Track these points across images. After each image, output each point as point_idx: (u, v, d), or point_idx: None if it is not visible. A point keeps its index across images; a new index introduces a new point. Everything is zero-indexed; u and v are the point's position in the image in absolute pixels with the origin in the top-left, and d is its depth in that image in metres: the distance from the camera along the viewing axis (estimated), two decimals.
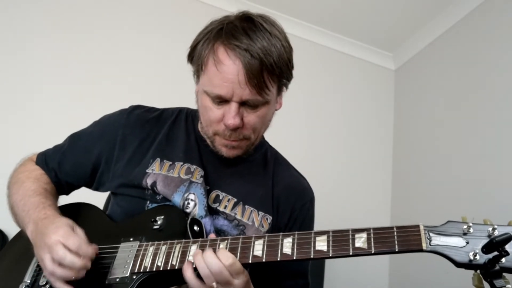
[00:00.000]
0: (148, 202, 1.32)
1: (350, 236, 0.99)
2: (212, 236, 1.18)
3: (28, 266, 1.27)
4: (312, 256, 1.01)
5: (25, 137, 2.57)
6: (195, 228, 1.21)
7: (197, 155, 1.37)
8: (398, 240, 0.94)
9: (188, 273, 1.06)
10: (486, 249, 0.86)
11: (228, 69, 1.17)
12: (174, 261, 1.11)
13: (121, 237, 1.24)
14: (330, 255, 0.99)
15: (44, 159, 1.45)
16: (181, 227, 1.20)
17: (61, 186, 1.45)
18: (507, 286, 0.83)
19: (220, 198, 1.33)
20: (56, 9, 2.96)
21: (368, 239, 0.97)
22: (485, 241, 0.88)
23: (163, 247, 1.15)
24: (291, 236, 1.05)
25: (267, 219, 1.34)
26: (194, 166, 1.34)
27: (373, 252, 0.96)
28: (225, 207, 1.32)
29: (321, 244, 1.01)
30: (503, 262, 0.85)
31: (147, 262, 1.14)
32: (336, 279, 2.94)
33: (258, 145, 1.40)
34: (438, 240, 0.90)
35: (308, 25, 3.45)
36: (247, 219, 1.32)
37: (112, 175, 1.38)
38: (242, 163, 1.39)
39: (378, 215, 3.29)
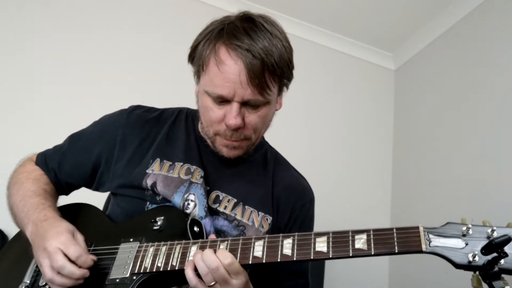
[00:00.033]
0: (148, 203, 1.32)
1: (350, 237, 0.99)
2: (212, 237, 1.18)
3: (28, 267, 1.27)
4: (312, 257, 1.01)
5: (25, 137, 2.57)
6: (195, 229, 1.21)
7: (197, 155, 1.37)
8: (398, 241, 0.94)
9: (189, 272, 1.07)
10: (485, 250, 0.86)
11: (229, 69, 1.17)
12: (174, 262, 1.11)
13: (121, 238, 1.24)
14: (330, 256, 0.99)
15: (44, 160, 1.45)
16: (181, 228, 1.20)
17: (61, 186, 1.45)
18: (506, 287, 0.84)
19: (220, 198, 1.33)
20: (56, 9, 2.96)
21: (368, 240, 0.97)
22: (484, 242, 0.88)
23: (163, 248, 1.15)
24: (291, 237, 1.05)
25: (267, 219, 1.34)
26: (194, 167, 1.34)
27: (373, 253, 0.96)
28: (225, 207, 1.32)
29: (321, 245, 1.01)
30: (502, 263, 0.85)
31: (147, 262, 1.14)
32: (336, 279, 2.94)
33: (258, 146, 1.40)
34: (438, 242, 0.91)
35: (308, 25, 3.44)
36: (247, 220, 1.32)
37: (112, 175, 1.38)
38: (242, 164, 1.39)
39: (378, 215, 3.29)
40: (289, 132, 3.04)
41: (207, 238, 1.21)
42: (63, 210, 1.32)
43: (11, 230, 1.60)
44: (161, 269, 1.12)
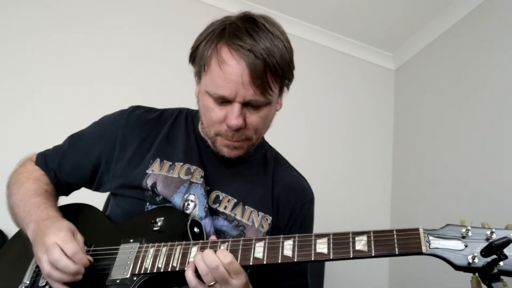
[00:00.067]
0: (147, 203, 1.32)
1: (351, 239, 1.00)
2: (213, 238, 1.18)
3: (27, 267, 1.27)
4: (312, 259, 1.02)
5: (25, 137, 2.57)
6: (195, 229, 1.21)
7: (197, 155, 1.37)
8: (398, 243, 0.94)
9: (189, 273, 1.07)
10: (485, 252, 0.87)
11: (231, 69, 1.17)
12: (175, 262, 1.11)
13: (121, 238, 1.24)
14: (331, 257, 1.00)
15: (44, 160, 1.45)
16: (181, 228, 1.20)
17: (61, 186, 1.45)
18: None
19: (220, 198, 1.33)
20: (56, 9, 2.96)
21: (368, 242, 0.97)
22: (483, 244, 0.89)
23: (164, 249, 1.15)
24: (292, 239, 1.06)
25: (267, 219, 1.35)
26: (194, 167, 1.35)
27: (373, 255, 0.96)
28: (225, 207, 1.32)
29: (322, 246, 1.01)
30: (501, 265, 0.85)
31: (148, 263, 1.14)
32: (336, 279, 2.94)
33: (258, 146, 1.40)
34: (438, 243, 0.91)
35: (308, 25, 3.44)
36: (247, 220, 1.32)
37: (112, 175, 1.39)
38: (242, 164, 1.39)
39: (378, 216, 3.29)
40: (289, 132, 3.04)
41: (207, 239, 1.21)
42: (63, 210, 1.32)
43: (11, 230, 1.60)
44: (161, 270, 1.12)
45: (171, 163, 1.35)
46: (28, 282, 1.23)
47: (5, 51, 2.78)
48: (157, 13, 3.21)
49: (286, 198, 1.41)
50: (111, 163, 1.39)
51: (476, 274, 0.89)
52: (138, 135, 1.40)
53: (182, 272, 1.09)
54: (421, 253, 0.92)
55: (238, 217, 1.32)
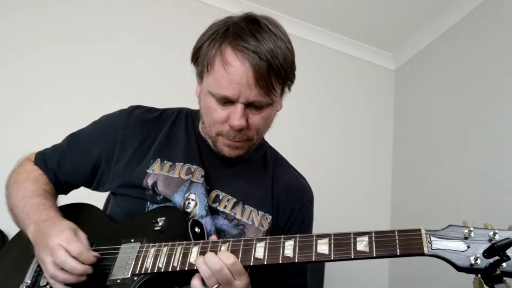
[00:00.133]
0: (148, 202, 1.32)
1: (352, 240, 0.99)
2: (213, 238, 1.18)
3: (29, 267, 1.27)
4: (313, 259, 1.01)
5: (25, 137, 2.56)
6: (196, 229, 1.21)
7: (197, 155, 1.38)
8: (400, 244, 0.94)
9: (196, 280, 1.07)
10: (487, 253, 0.86)
11: (236, 70, 1.17)
12: (176, 263, 1.11)
13: (122, 238, 1.24)
14: (332, 258, 1.00)
15: (43, 159, 1.45)
16: (182, 228, 1.20)
17: (60, 186, 1.45)
18: None
19: (220, 198, 1.34)
20: (56, 9, 2.96)
21: (370, 242, 0.97)
22: (486, 245, 0.88)
23: (164, 249, 1.15)
24: (293, 239, 1.05)
25: (266, 218, 1.35)
26: (195, 166, 1.35)
27: (374, 255, 0.96)
28: (225, 206, 1.33)
29: (323, 247, 1.01)
30: (504, 266, 0.85)
31: (148, 263, 1.14)
32: (336, 279, 2.94)
33: (258, 145, 1.40)
34: (439, 244, 0.91)
35: (308, 25, 3.44)
36: (247, 219, 1.32)
37: (112, 175, 1.39)
38: (242, 163, 1.39)
39: (378, 216, 3.28)
40: (289, 132, 3.03)
41: (208, 238, 1.21)
42: (63, 210, 1.32)
43: (11, 230, 1.60)
44: (162, 270, 1.12)
45: (171, 163, 1.35)
46: (29, 281, 1.24)
47: (5, 51, 2.78)
48: (157, 13, 3.20)
49: (286, 198, 1.41)
50: (111, 163, 1.39)
51: (479, 275, 0.89)
52: (138, 134, 1.40)
53: (182, 272, 1.09)
54: (423, 254, 0.91)
55: (238, 216, 1.32)
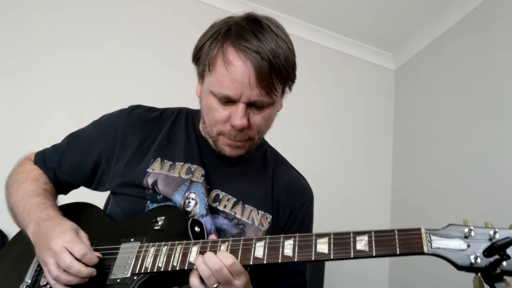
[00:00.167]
0: (148, 202, 1.32)
1: (351, 239, 0.99)
2: (213, 237, 1.18)
3: (29, 266, 1.27)
4: (313, 259, 1.01)
5: (25, 137, 2.57)
6: (196, 229, 1.21)
7: (197, 154, 1.38)
8: (400, 243, 0.94)
9: (194, 280, 1.07)
10: (487, 252, 0.86)
11: (237, 70, 1.17)
12: (175, 262, 1.11)
13: (122, 238, 1.24)
14: (331, 257, 0.99)
15: (43, 159, 1.45)
16: (182, 228, 1.20)
17: (60, 185, 1.45)
18: None
19: (220, 197, 1.34)
20: (55, 9, 2.96)
21: (369, 241, 0.97)
22: (486, 244, 0.88)
23: (164, 248, 1.15)
24: (292, 238, 1.05)
25: (266, 218, 1.35)
26: (195, 166, 1.35)
27: (374, 254, 0.96)
28: (225, 206, 1.33)
29: (322, 246, 1.01)
30: (504, 265, 0.85)
31: (148, 263, 1.14)
32: (336, 279, 2.94)
33: (258, 145, 1.40)
34: (439, 243, 0.91)
35: (308, 25, 3.44)
36: (247, 218, 1.33)
37: (112, 174, 1.39)
38: (242, 163, 1.40)
39: (378, 216, 3.28)
40: (289, 132, 3.03)
41: (207, 238, 1.21)
42: (64, 210, 1.32)
43: (11, 230, 1.60)
44: (161, 270, 1.12)
45: (171, 162, 1.35)
46: (29, 281, 1.23)
47: (4, 51, 2.78)
48: (157, 13, 3.21)
49: (286, 197, 1.41)
50: (112, 162, 1.39)
51: (479, 274, 0.89)
52: (139, 134, 1.40)
53: (182, 271, 1.09)
54: (422, 253, 0.91)
55: (238, 215, 1.32)
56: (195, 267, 1.07)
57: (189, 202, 1.29)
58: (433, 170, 2.92)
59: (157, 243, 1.17)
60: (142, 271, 1.14)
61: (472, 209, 2.41)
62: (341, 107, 3.49)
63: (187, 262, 1.09)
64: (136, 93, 2.54)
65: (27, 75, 2.79)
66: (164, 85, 3.01)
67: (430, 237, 0.92)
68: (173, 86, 2.94)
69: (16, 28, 2.84)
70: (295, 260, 1.03)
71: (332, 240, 1.01)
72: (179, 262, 1.11)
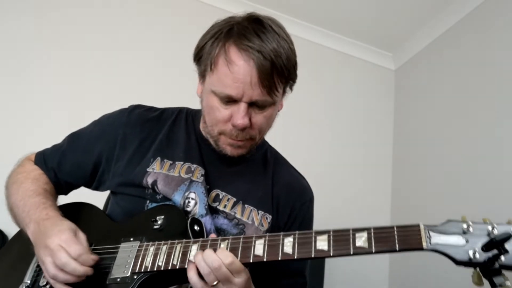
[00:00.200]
0: (148, 201, 1.32)
1: (351, 236, 0.99)
2: (213, 236, 1.18)
3: (28, 267, 1.27)
4: (313, 256, 1.01)
5: (25, 137, 2.57)
6: (196, 227, 1.21)
7: (197, 154, 1.38)
8: (399, 239, 0.94)
9: (192, 275, 1.07)
10: (486, 247, 0.86)
11: (240, 69, 1.17)
12: (175, 261, 1.11)
13: (121, 237, 1.24)
14: (331, 254, 0.99)
15: (43, 159, 1.45)
16: (181, 227, 1.20)
17: (60, 186, 1.45)
18: (507, 283, 0.84)
19: (220, 197, 1.34)
20: (55, 9, 2.97)
21: (369, 238, 0.97)
22: (484, 239, 0.88)
23: (164, 247, 1.15)
24: (292, 236, 1.05)
25: (266, 218, 1.35)
26: (195, 165, 1.35)
27: (373, 251, 0.96)
28: (225, 206, 1.32)
29: (322, 243, 1.01)
30: (502, 260, 0.85)
31: (148, 262, 1.14)
32: (336, 279, 2.94)
33: (258, 145, 1.40)
34: (438, 239, 0.91)
35: (307, 25, 3.45)
36: (247, 218, 1.32)
37: (112, 174, 1.39)
38: (243, 163, 1.39)
39: (378, 215, 3.28)
40: (289, 132, 3.04)
41: (207, 237, 1.21)
42: (63, 210, 1.32)
43: (11, 230, 1.60)
44: (162, 268, 1.12)
45: (171, 162, 1.35)
46: (29, 281, 1.23)
47: (3, 51, 2.78)
48: (157, 13, 3.21)
49: (286, 197, 1.41)
50: (112, 162, 1.39)
51: (477, 269, 0.89)
52: (139, 134, 1.40)
53: (182, 270, 1.09)
54: (421, 249, 0.91)
55: (238, 215, 1.32)
56: (189, 259, 1.08)
57: (188, 202, 1.29)
58: (433, 170, 2.92)
59: (156, 242, 1.17)
60: (142, 270, 1.14)
61: (472, 209, 2.40)
62: (341, 107, 3.49)
63: (187, 260, 1.09)
64: (136, 93, 2.54)
65: (27, 75, 2.79)
66: (164, 85, 3.01)
67: (429, 233, 0.92)
68: (173, 86, 2.95)
69: (16, 28, 2.85)
70: (295, 257, 1.03)
71: (331, 237, 1.01)
72: (179, 261, 1.11)
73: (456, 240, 0.90)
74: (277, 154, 1.53)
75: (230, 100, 1.21)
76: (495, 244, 0.84)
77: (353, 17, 3.31)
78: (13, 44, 2.82)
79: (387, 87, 3.62)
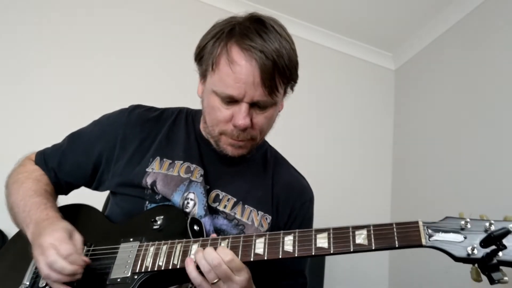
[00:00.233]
0: (147, 202, 1.32)
1: (351, 233, 1.00)
2: (213, 235, 1.18)
3: (27, 268, 1.27)
4: (313, 253, 1.02)
5: (25, 137, 2.56)
6: (195, 227, 1.21)
7: (197, 154, 1.38)
8: (398, 236, 0.95)
9: (191, 270, 1.07)
10: (484, 243, 0.87)
11: (242, 69, 1.17)
12: (176, 260, 1.11)
13: (121, 238, 1.24)
14: (331, 251, 1.00)
15: (43, 159, 1.45)
16: (181, 227, 1.20)
17: (60, 186, 1.45)
18: (505, 278, 0.85)
19: (220, 197, 1.34)
20: (55, 9, 2.97)
21: (368, 235, 0.98)
22: (482, 235, 0.89)
23: (164, 247, 1.15)
24: (292, 234, 1.06)
25: (266, 218, 1.35)
26: (194, 165, 1.35)
27: (373, 248, 0.96)
28: (225, 206, 1.32)
29: (322, 241, 1.02)
30: (500, 255, 0.86)
31: (148, 262, 1.14)
32: (336, 279, 2.94)
33: (258, 145, 1.40)
34: (437, 236, 0.92)
35: (308, 25, 3.44)
36: (247, 219, 1.32)
37: (112, 174, 1.39)
38: (242, 163, 1.39)
39: (378, 215, 3.26)
40: (289, 132, 3.03)
41: (207, 236, 1.21)
42: (63, 211, 1.32)
43: (11, 230, 1.60)
44: (162, 268, 1.12)
45: (171, 161, 1.35)
46: (28, 283, 1.23)
47: (3, 50, 2.79)
48: (157, 13, 3.21)
49: (286, 197, 1.41)
50: (112, 162, 1.39)
51: (476, 265, 0.90)
52: (139, 134, 1.40)
53: (183, 270, 1.09)
54: (421, 246, 0.92)
55: (238, 216, 1.32)
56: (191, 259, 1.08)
57: (187, 203, 1.29)
58: (433, 170, 2.91)
59: (156, 242, 1.17)
60: (143, 270, 1.14)
61: (472, 209, 2.37)
62: (341, 107, 3.48)
63: (188, 257, 1.10)
64: (136, 93, 2.54)
65: (27, 75, 2.79)
66: (164, 85, 3.01)
67: (427, 230, 0.93)
68: (173, 86, 2.95)
69: (16, 28, 2.85)
70: (296, 255, 1.03)
71: (331, 234, 1.02)
72: (179, 261, 1.11)
73: (455, 236, 0.91)
74: (277, 154, 1.53)
75: (231, 100, 1.21)
76: (493, 240, 0.85)
77: (353, 17, 3.30)
78: (13, 44, 2.82)
79: (387, 87, 3.61)
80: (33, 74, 2.81)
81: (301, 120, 3.28)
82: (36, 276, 1.24)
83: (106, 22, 3.07)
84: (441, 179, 2.81)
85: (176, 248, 1.13)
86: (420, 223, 0.94)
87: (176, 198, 1.29)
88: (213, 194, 1.34)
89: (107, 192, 1.51)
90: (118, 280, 1.15)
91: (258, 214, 1.34)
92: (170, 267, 1.11)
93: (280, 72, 1.19)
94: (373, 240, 0.97)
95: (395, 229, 0.96)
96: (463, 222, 0.92)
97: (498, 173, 2.35)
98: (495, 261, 0.85)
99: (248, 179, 1.39)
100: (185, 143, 1.40)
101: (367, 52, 3.58)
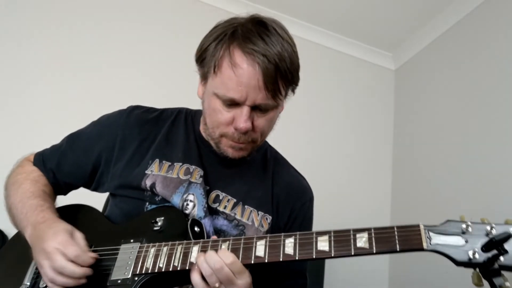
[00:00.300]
0: (147, 203, 1.31)
1: (352, 236, 1.00)
2: (214, 237, 1.18)
3: (28, 269, 1.26)
4: (314, 257, 1.01)
5: (25, 137, 2.57)
6: (196, 229, 1.21)
7: (196, 155, 1.37)
8: (399, 239, 0.94)
9: (196, 276, 1.06)
10: (485, 247, 0.87)
11: (244, 72, 1.17)
12: (176, 262, 1.11)
13: (121, 239, 1.24)
14: (332, 255, 1.00)
15: (42, 160, 1.44)
16: (181, 228, 1.20)
17: (59, 186, 1.45)
18: (506, 284, 0.85)
19: (220, 198, 1.33)
20: (55, 9, 2.97)
21: (369, 238, 0.97)
22: (483, 239, 0.89)
23: (165, 248, 1.15)
24: (293, 237, 1.05)
25: (266, 219, 1.35)
26: (194, 167, 1.34)
27: (374, 251, 0.96)
28: (225, 207, 1.32)
29: (323, 244, 1.01)
30: (502, 260, 0.85)
31: (149, 263, 1.14)
32: (336, 279, 2.94)
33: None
34: (438, 239, 0.91)
35: (308, 25, 3.45)
36: (247, 219, 1.32)
37: (111, 175, 1.38)
38: (242, 164, 1.39)
39: (378, 216, 3.28)
40: (289, 132, 3.04)
41: (207, 238, 1.21)
42: (62, 212, 1.32)
43: (11, 230, 1.59)
44: (163, 270, 1.11)
45: (170, 163, 1.35)
46: (28, 283, 1.23)
47: (3, 50, 2.79)
48: (157, 12, 3.21)
49: (286, 198, 1.41)
50: (111, 163, 1.39)
51: (477, 269, 0.90)
52: (138, 135, 1.40)
53: (183, 271, 1.09)
54: (422, 249, 0.92)
55: (238, 216, 1.32)
56: (191, 261, 1.08)
57: (187, 205, 1.28)
58: (433, 170, 2.92)
59: (157, 244, 1.17)
60: (143, 272, 1.13)
61: (472, 209, 2.40)
62: (341, 107, 3.49)
63: (188, 262, 1.09)
64: (135, 93, 2.55)
65: (27, 75, 2.79)
66: (164, 85, 3.01)
67: (428, 234, 0.93)
68: (173, 87, 2.95)
69: (16, 28, 2.84)
70: (296, 258, 1.03)
71: (332, 237, 1.01)
72: (180, 262, 1.10)
73: (456, 240, 0.90)
74: (277, 154, 1.52)
75: (233, 103, 1.21)
76: (494, 244, 0.84)
77: (353, 17, 3.30)
78: (13, 44, 2.81)
79: (387, 87, 3.62)
80: (33, 74, 2.80)
81: (301, 120, 3.28)
82: (37, 276, 1.24)
83: (106, 22, 3.07)
84: (441, 179, 2.81)
85: (176, 250, 1.13)
86: (421, 227, 0.93)
87: (176, 200, 1.29)
88: (213, 194, 1.34)
89: (106, 193, 1.51)
90: (119, 281, 1.14)
91: (258, 214, 1.34)
92: (170, 269, 1.11)
93: (282, 76, 1.19)
94: (374, 243, 0.96)
95: (396, 233, 0.95)
96: (464, 226, 0.91)
97: (498, 173, 2.35)
98: (496, 266, 0.84)
99: (248, 180, 1.39)
100: (184, 144, 1.39)
101: (367, 52, 3.58)
